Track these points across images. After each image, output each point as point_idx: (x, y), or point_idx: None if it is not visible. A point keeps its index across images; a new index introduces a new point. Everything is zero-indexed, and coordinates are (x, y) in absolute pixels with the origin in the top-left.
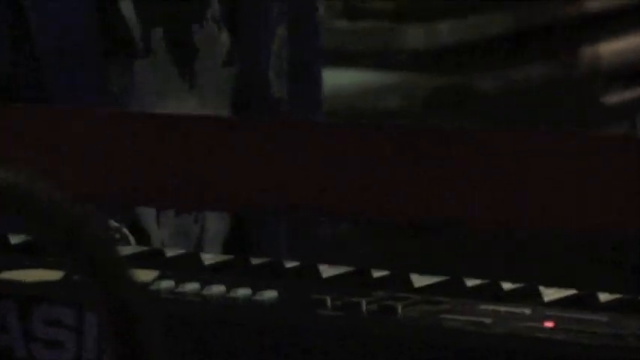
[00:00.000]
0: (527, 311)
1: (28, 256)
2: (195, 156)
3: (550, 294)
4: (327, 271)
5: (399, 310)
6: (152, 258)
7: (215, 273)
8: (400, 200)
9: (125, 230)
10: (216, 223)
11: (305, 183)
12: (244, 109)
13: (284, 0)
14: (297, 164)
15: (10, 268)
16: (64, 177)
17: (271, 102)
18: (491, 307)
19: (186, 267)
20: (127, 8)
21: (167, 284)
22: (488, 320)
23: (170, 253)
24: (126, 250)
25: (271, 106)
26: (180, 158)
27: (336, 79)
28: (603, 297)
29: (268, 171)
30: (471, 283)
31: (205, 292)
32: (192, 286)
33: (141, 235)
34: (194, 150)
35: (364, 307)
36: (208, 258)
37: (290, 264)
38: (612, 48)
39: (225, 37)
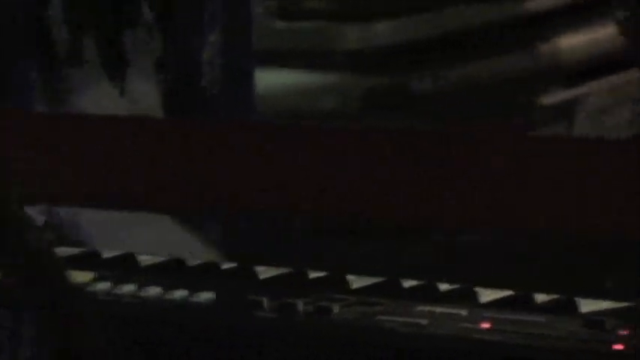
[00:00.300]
0: (464, 312)
1: None
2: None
3: (487, 295)
4: (263, 272)
5: (335, 311)
6: (88, 259)
7: (152, 274)
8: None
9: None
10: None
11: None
12: (177, 113)
13: (217, 5)
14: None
15: None
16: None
17: (204, 105)
18: (427, 308)
19: (123, 268)
20: (57, 12)
21: (104, 286)
22: (424, 321)
23: (106, 254)
24: (62, 252)
25: (204, 109)
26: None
27: (272, 79)
28: (540, 298)
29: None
30: (407, 284)
31: (142, 293)
32: (128, 288)
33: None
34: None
35: (300, 308)
36: (145, 259)
37: (226, 265)
38: (551, 48)
39: (157, 43)
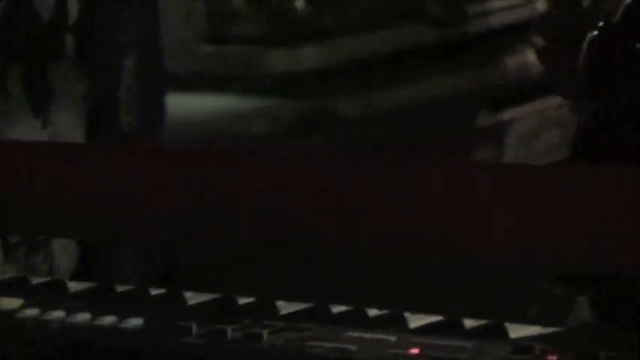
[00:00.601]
0: (393, 338)
1: None
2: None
3: (416, 320)
4: (192, 297)
5: (265, 337)
6: (17, 286)
7: (80, 301)
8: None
9: None
10: (65, 260)
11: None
12: (97, 139)
13: (131, 33)
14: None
15: None
16: None
17: (121, 131)
18: (356, 334)
19: (52, 295)
20: None
21: (32, 312)
22: (353, 347)
23: (35, 280)
24: None
25: (121, 135)
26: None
27: (201, 103)
28: (468, 323)
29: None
30: (336, 309)
31: (71, 319)
32: (57, 314)
33: None
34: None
35: (229, 334)
36: (73, 286)
37: (155, 291)
38: (481, 72)
39: (80, 74)
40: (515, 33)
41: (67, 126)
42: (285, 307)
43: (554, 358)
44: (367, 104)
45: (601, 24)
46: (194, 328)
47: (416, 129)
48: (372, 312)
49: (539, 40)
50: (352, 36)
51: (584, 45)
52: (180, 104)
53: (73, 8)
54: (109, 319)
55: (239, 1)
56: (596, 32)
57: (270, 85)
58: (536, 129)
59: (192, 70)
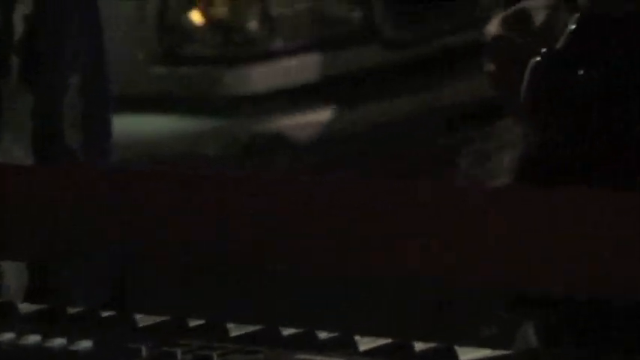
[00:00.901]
0: None
1: None
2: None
3: (366, 343)
4: (143, 319)
5: (214, 359)
6: None
7: (31, 322)
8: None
9: None
10: (14, 281)
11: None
12: (45, 160)
13: (77, 52)
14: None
15: None
16: None
17: (66, 151)
18: (306, 356)
19: (2, 316)
20: None
21: None
22: None
23: None
24: None
25: (67, 154)
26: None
27: (155, 125)
28: (418, 346)
29: None
30: (286, 331)
31: (21, 341)
32: (7, 336)
33: None
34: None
35: (179, 357)
36: (24, 307)
37: (106, 313)
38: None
39: (25, 93)
40: (469, 55)
41: (12, 145)
42: (235, 329)
43: None
44: (319, 126)
45: (544, 50)
46: (144, 350)
47: (368, 151)
48: (322, 334)
49: (489, 64)
50: (305, 57)
51: (527, 70)
52: (132, 125)
53: (19, 26)
54: (59, 342)
55: (191, 23)
56: (539, 58)
57: (222, 107)
58: (489, 150)
59: (144, 91)
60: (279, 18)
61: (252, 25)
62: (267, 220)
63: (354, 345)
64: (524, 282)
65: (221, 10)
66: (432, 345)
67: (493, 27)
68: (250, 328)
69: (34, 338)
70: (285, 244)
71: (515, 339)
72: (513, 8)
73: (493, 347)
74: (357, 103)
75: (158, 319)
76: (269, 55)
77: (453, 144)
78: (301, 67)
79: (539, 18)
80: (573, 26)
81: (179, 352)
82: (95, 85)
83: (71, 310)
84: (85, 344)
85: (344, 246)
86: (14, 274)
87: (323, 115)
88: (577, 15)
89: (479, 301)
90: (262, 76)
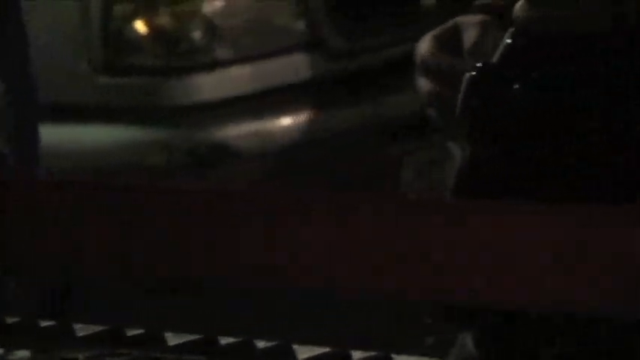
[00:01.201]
0: None
1: None
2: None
3: (304, 352)
4: (82, 329)
5: None
6: None
7: None
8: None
9: None
10: None
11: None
12: None
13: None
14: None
15: None
16: None
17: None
18: None
19: None
20: None
21: None
22: None
23: None
24: None
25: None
26: None
27: (97, 135)
28: (356, 355)
29: None
30: (224, 341)
31: None
32: None
33: None
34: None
35: None
36: None
37: (45, 322)
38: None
39: None
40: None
41: None
42: (173, 339)
43: None
44: (264, 136)
45: (479, 64)
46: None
47: (312, 162)
48: (261, 344)
49: (422, 81)
50: (249, 67)
51: (462, 85)
52: (76, 135)
53: None
54: None
55: (135, 32)
56: (474, 72)
57: (165, 117)
58: (430, 162)
59: (88, 101)
60: (223, 27)
61: (197, 34)
62: (201, 231)
63: (292, 354)
64: (457, 293)
65: (165, 20)
66: (370, 354)
67: (424, 44)
68: (188, 338)
69: None
70: (216, 256)
71: (452, 349)
72: (444, 25)
73: (431, 356)
74: (301, 113)
75: (97, 328)
76: (213, 65)
77: (395, 155)
78: (246, 77)
79: (471, 34)
80: (508, 40)
81: None
82: (22, 95)
83: (9, 320)
84: (23, 354)
85: (280, 257)
86: None
87: (268, 124)
88: (512, 29)
89: (416, 311)
90: (207, 86)
